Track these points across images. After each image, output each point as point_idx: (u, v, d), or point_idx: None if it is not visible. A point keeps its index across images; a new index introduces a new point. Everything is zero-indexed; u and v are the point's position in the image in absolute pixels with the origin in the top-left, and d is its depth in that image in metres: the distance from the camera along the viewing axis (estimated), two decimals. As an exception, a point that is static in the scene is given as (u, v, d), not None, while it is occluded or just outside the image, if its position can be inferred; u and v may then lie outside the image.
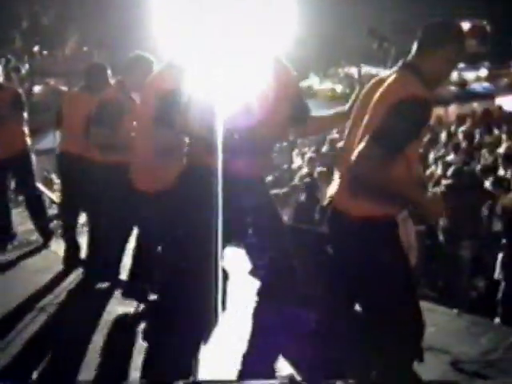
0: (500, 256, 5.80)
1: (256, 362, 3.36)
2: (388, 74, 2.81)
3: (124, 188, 4.23)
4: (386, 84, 2.69)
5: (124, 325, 4.36)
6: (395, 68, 2.78)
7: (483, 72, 28.93)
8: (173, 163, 3.79)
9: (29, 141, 6.40)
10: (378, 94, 2.68)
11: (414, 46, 2.77)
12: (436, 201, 2.79)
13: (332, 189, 2.93)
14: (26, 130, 6.35)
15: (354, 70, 24.92)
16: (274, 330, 3.30)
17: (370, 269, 2.68)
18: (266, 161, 3.46)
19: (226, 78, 3.20)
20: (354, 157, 2.55)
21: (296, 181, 8.38)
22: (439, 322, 2.99)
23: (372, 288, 2.71)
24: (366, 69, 22.48)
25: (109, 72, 5.54)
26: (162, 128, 3.74)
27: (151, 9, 3.83)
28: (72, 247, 5.76)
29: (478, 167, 8.57)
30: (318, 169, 9.36)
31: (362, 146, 2.54)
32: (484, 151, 10.22)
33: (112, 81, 5.40)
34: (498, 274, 5.83)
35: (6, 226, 6.52)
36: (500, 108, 17.49)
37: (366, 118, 2.70)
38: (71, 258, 5.69)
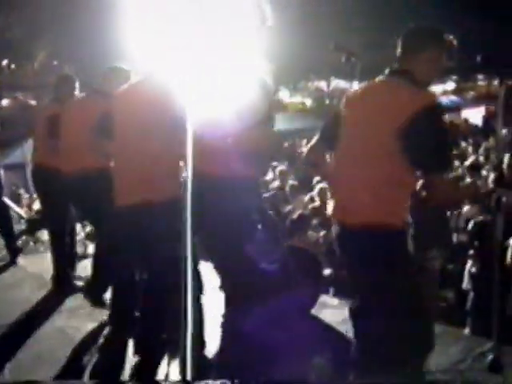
0: (467, 266, 5.87)
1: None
2: (369, 84, 2.83)
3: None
4: (383, 95, 2.70)
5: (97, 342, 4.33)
6: (382, 77, 2.79)
7: (450, 85, 29.41)
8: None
9: (-2, 155, 6.33)
10: (374, 106, 2.69)
11: (399, 53, 2.79)
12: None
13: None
14: None
15: (323, 84, 25.14)
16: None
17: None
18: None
19: (198, 89, 3.19)
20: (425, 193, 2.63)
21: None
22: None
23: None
24: (335, 82, 22.73)
25: (76, 84, 5.47)
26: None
27: (122, 24, 3.82)
28: (61, 266, 5.46)
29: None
30: (290, 182, 9.42)
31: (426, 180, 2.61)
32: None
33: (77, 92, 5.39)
34: (466, 284, 5.89)
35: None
36: (466, 121, 17.80)
37: (363, 132, 2.71)
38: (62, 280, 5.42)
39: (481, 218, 5.73)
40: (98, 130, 3.96)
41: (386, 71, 2.82)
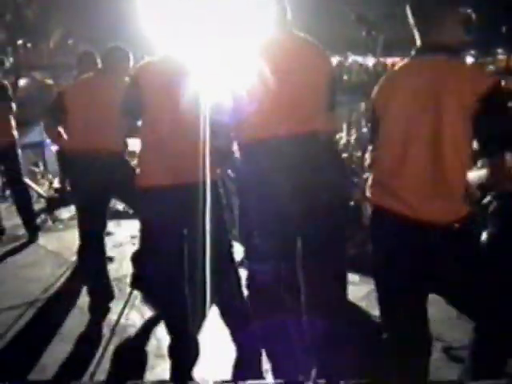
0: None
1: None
2: (410, 61, 2.65)
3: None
4: (442, 80, 2.47)
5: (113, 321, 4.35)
6: (418, 54, 2.62)
7: (469, 61, 28.99)
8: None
9: (16, 134, 6.32)
10: (444, 91, 2.45)
11: (418, 24, 2.61)
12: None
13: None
14: (13, 123, 6.27)
15: (340, 59, 24.92)
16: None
17: None
18: None
19: (216, 71, 3.14)
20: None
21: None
22: (430, 310, 2.97)
23: None
24: (352, 58, 22.52)
25: (97, 60, 5.36)
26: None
27: (136, 3, 3.79)
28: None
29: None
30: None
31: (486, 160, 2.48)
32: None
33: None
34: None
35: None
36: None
37: (426, 117, 2.50)
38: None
39: None
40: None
41: (420, 47, 2.61)
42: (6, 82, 6.41)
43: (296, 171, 2.90)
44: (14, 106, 6.21)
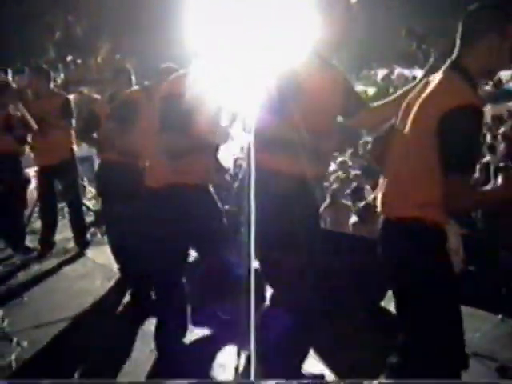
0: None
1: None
2: (435, 76, 2.61)
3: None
4: (429, 89, 2.51)
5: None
6: (443, 68, 2.58)
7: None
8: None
9: (75, 148, 6.48)
10: (420, 101, 2.51)
11: (457, 42, 2.55)
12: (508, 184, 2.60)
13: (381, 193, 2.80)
14: (72, 137, 6.43)
15: (385, 72, 24.74)
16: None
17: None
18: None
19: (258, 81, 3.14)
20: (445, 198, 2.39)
21: (334, 185, 8.25)
22: (482, 327, 2.89)
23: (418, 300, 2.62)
24: (399, 70, 22.30)
25: (131, 76, 5.48)
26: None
27: (182, 18, 3.82)
28: None
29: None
30: (353, 172, 9.28)
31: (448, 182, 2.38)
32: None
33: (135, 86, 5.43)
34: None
35: (48, 235, 6.61)
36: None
37: (407, 124, 2.56)
38: None
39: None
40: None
41: (446, 63, 2.58)
42: (70, 98, 6.58)
43: None
44: (74, 122, 6.38)
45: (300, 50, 3.04)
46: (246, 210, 3.05)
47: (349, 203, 7.26)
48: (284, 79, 2.89)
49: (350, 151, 12.37)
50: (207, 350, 3.93)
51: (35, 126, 6.21)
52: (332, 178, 9.06)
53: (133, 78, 5.39)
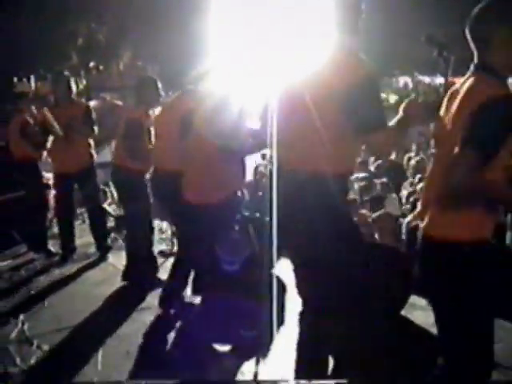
0: None
1: None
2: (463, 80, 2.61)
3: None
4: (463, 91, 2.48)
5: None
6: (469, 73, 2.57)
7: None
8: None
9: (94, 154, 6.54)
10: (456, 104, 2.49)
11: (472, 47, 2.54)
12: None
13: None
14: (92, 143, 6.48)
15: (407, 80, 24.61)
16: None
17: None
18: None
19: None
20: (446, 168, 2.38)
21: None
22: (505, 338, 2.84)
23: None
24: (420, 78, 22.18)
25: (159, 85, 5.56)
26: None
27: (204, 24, 3.85)
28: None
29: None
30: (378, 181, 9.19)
31: (454, 155, 2.36)
32: None
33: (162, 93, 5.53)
34: None
35: (65, 241, 6.66)
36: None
37: (447, 129, 2.53)
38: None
39: None
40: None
41: (472, 66, 2.57)
42: (91, 105, 6.64)
43: None
44: (96, 129, 6.43)
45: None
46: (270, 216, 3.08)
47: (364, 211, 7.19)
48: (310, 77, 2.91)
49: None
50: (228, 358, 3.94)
51: (60, 133, 6.26)
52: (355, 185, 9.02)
53: (160, 86, 5.51)
